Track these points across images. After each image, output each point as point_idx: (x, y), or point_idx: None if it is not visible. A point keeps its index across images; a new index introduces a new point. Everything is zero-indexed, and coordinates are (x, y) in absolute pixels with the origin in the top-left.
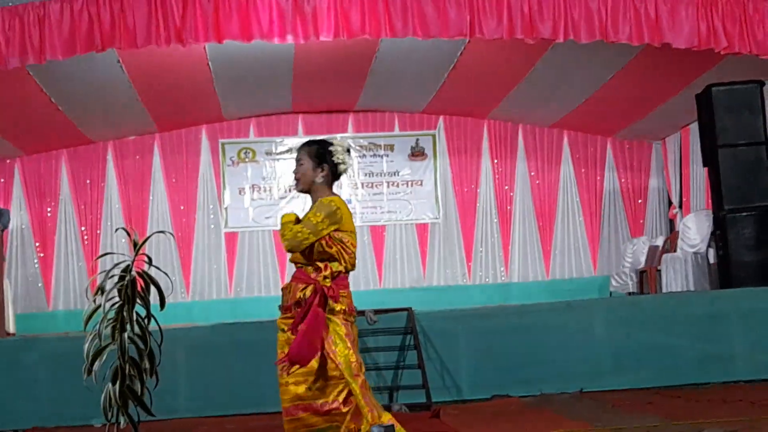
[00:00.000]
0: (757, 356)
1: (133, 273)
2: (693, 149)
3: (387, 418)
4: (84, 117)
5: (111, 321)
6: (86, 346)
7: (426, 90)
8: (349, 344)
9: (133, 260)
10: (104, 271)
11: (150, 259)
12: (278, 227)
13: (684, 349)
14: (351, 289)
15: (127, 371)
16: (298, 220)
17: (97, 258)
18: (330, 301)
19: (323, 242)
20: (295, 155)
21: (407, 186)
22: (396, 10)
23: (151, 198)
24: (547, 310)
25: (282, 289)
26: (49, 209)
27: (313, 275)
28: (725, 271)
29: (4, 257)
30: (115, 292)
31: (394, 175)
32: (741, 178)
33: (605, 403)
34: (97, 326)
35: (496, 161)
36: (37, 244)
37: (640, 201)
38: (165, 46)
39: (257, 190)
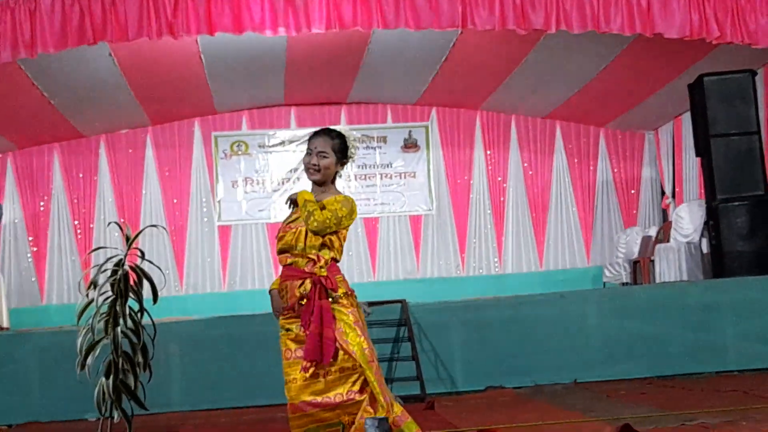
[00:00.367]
0: (750, 346)
1: (126, 267)
2: (686, 139)
3: (399, 410)
4: (76, 111)
5: (104, 315)
6: (79, 340)
7: (418, 81)
8: (359, 331)
9: (126, 254)
10: (97, 265)
11: (143, 253)
12: (272, 220)
13: (677, 339)
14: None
15: (120, 365)
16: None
17: (90, 252)
18: (330, 291)
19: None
20: (311, 145)
21: (400, 178)
22: (388, 1)
23: (143, 191)
24: (541, 301)
25: (274, 292)
26: (41, 203)
27: (306, 267)
28: (718, 260)
29: None
30: (108, 286)
31: (387, 167)
32: (733, 167)
33: (599, 393)
34: (90, 320)
35: (489, 152)
36: (30, 239)
37: (633, 191)
38: (157, 38)
39: (250, 183)
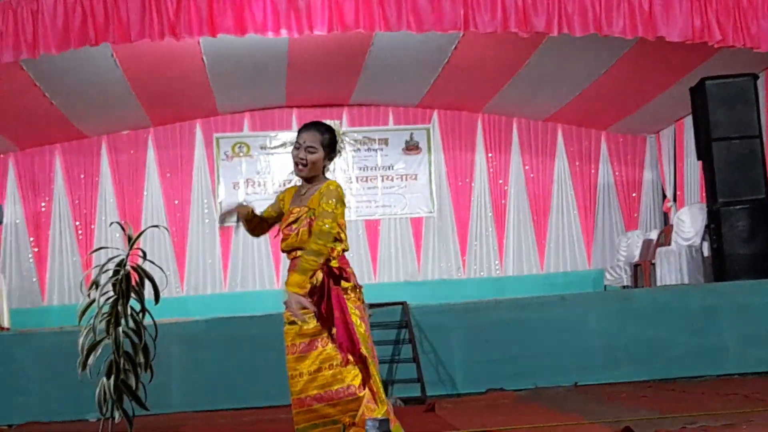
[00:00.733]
0: (751, 350)
1: (128, 267)
2: (687, 142)
3: (384, 409)
4: (78, 111)
5: (105, 315)
6: (81, 340)
7: (420, 84)
8: (364, 328)
9: (128, 254)
10: (99, 265)
11: (144, 253)
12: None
13: (678, 343)
14: (258, 227)
15: (121, 365)
16: (254, 215)
17: (91, 252)
18: (342, 281)
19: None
20: (300, 139)
21: (402, 180)
22: (390, 3)
23: (145, 192)
24: (542, 304)
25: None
26: (43, 204)
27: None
28: (719, 264)
29: None
30: (109, 286)
31: (389, 169)
32: (735, 171)
33: (599, 396)
34: (92, 320)
35: (490, 155)
36: (32, 239)
37: (634, 194)
38: (159, 40)
39: (251, 185)
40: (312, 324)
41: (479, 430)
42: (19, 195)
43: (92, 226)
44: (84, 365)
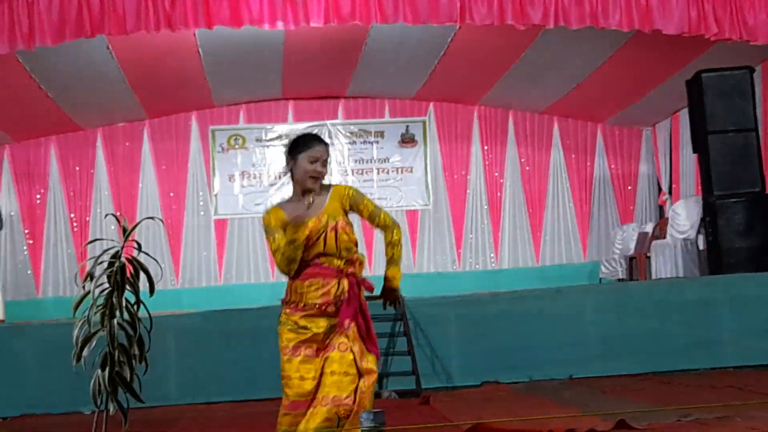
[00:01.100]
0: (746, 342)
1: (123, 259)
2: (683, 135)
3: None
4: (73, 103)
5: (100, 307)
6: (75, 331)
7: (416, 76)
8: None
9: (123, 246)
10: (93, 257)
11: (139, 245)
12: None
13: (673, 335)
14: None
15: (116, 357)
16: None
17: (86, 244)
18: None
19: (348, 230)
20: (317, 152)
21: (397, 173)
22: None
23: (140, 185)
24: (537, 297)
25: (298, 288)
26: (38, 196)
27: (342, 266)
28: (715, 257)
29: None
30: (104, 278)
31: (385, 161)
32: (731, 164)
33: (595, 389)
34: (87, 312)
35: (486, 148)
36: (27, 231)
37: (630, 187)
38: (155, 31)
39: (247, 177)
40: (323, 327)
41: (474, 422)
42: (14, 187)
43: (87, 219)
44: (79, 357)
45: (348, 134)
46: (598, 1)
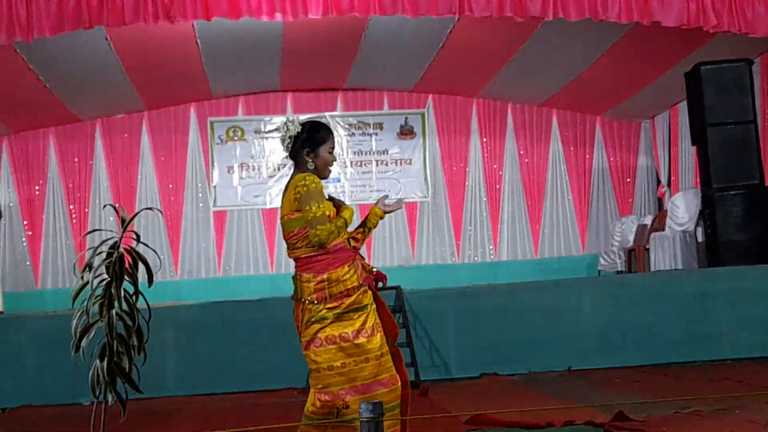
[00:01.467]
0: (744, 335)
1: (121, 250)
2: (682, 128)
3: None
4: (72, 95)
5: (99, 298)
6: (74, 322)
7: (415, 68)
8: None
9: (121, 237)
10: (92, 247)
11: (138, 236)
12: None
13: (671, 328)
14: None
15: (115, 348)
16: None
17: (85, 234)
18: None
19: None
20: (333, 143)
21: (396, 165)
22: None
23: (139, 176)
24: (536, 289)
25: (341, 276)
26: (37, 187)
27: (349, 243)
28: (713, 249)
29: None
30: (103, 269)
31: (383, 153)
32: (729, 156)
33: (593, 381)
34: (85, 303)
35: (485, 140)
36: (25, 223)
37: (628, 180)
38: (153, 23)
39: (246, 169)
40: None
41: (473, 414)
42: (12, 178)
43: (86, 210)
44: (77, 347)
45: (347, 126)
46: None
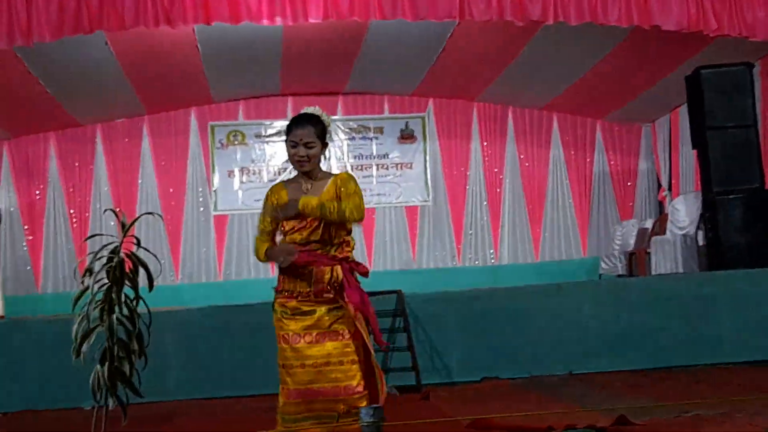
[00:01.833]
0: (746, 338)
1: (122, 254)
2: (682, 131)
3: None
4: (72, 99)
5: (99, 302)
6: (75, 327)
7: (415, 72)
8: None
9: (122, 241)
10: (93, 252)
11: (138, 240)
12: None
13: (673, 331)
14: None
15: (115, 352)
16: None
17: (86, 239)
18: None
19: None
20: (294, 136)
21: (397, 169)
22: None
23: (140, 181)
24: (537, 293)
25: (292, 275)
26: (37, 192)
27: (336, 252)
28: (714, 253)
29: None
30: (103, 273)
31: (384, 157)
32: (730, 160)
33: (594, 384)
34: (86, 308)
35: (485, 144)
36: (26, 227)
37: (629, 183)
38: (153, 27)
39: (246, 173)
40: (322, 312)
41: (474, 418)
42: (13, 183)
43: (87, 214)
44: (78, 352)
45: (347, 130)
46: None
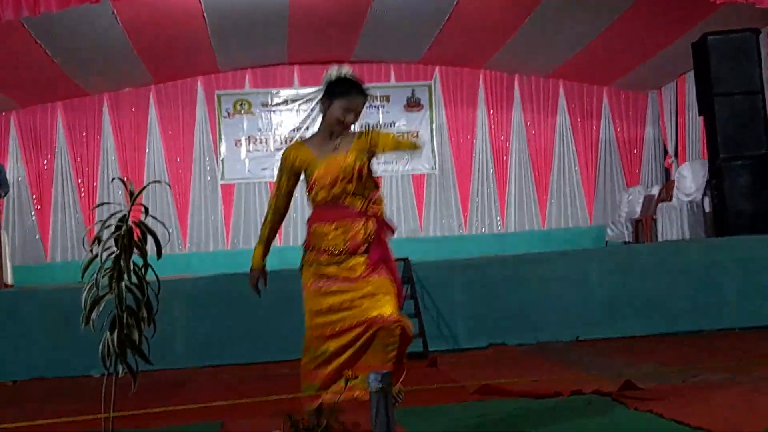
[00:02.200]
0: (751, 304)
1: (130, 223)
2: (689, 98)
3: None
4: (79, 69)
5: (108, 270)
6: (84, 295)
7: (422, 40)
8: None
9: (130, 210)
10: (101, 221)
11: (146, 209)
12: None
13: (679, 297)
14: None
15: (125, 320)
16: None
17: (94, 208)
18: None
19: (371, 170)
20: (353, 104)
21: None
22: None
23: (147, 150)
24: (543, 260)
25: (322, 231)
26: (45, 162)
27: (364, 207)
28: (720, 219)
29: (1, 210)
30: (111, 242)
31: (390, 126)
32: (736, 126)
33: (600, 350)
34: (95, 276)
35: (492, 112)
36: (34, 197)
37: (635, 150)
38: None
39: (253, 142)
40: (358, 261)
41: (481, 384)
42: (21, 153)
43: (94, 184)
44: (87, 320)
45: None
46: None
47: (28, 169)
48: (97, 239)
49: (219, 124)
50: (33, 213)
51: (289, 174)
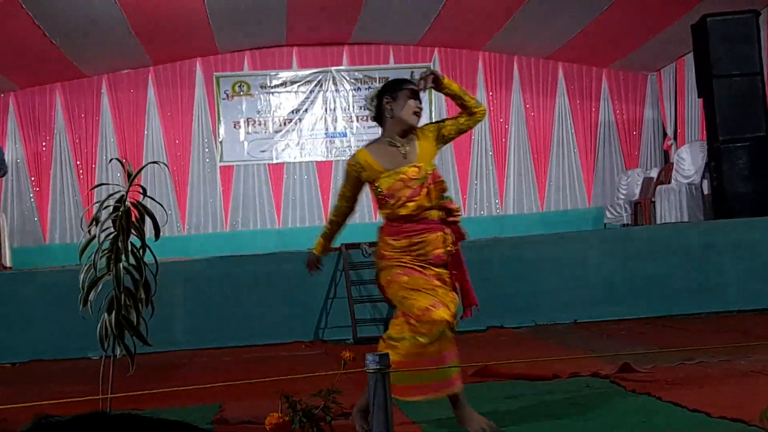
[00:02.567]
0: (749, 286)
1: (128, 203)
2: (688, 80)
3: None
4: (78, 50)
5: (106, 251)
6: (81, 276)
7: (421, 22)
8: None
9: (128, 191)
10: (99, 201)
11: (144, 190)
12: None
13: (677, 280)
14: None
15: (123, 301)
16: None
17: (92, 189)
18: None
19: (440, 176)
20: (418, 102)
21: None
22: None
23: (146, 132)
24: (542, 242)
25: (401, 245)
26: (44, 143)
27: (444, 217)
28: (719, 201)
29: None
30: (109, 222)
31: None
32: (736, 108)
33: (598, 332)
34: (92, 257)
35: (491, 94)
36: (32, 178)
37: (635, 132)
38: None
39: (252, 124)
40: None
41: (479, 366)
42: (19, 134)
43: (93, 165)
44: (85, 301)
45: (353, 81)
46: None
47: (26, 150)
48: (95, 220)
49: (218, 105)
50: (31, 195)
51: (354, 183)
